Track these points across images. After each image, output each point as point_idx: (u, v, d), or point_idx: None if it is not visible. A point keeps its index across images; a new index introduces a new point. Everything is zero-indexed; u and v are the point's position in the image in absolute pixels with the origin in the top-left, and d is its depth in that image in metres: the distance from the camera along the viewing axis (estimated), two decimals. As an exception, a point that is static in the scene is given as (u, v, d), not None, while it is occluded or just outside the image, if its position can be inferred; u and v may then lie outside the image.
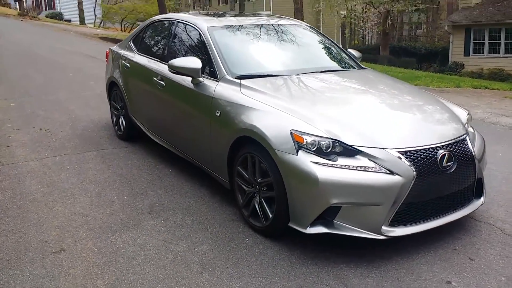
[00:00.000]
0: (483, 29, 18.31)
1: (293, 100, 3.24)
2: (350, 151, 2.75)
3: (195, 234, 3.15)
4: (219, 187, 3.78)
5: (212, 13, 5.45)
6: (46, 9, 38.61)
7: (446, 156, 2.84)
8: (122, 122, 5.22)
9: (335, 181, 2.66)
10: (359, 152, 2.74)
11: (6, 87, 8.35)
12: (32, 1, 39.27)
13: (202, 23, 4.11)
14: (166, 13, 10.99)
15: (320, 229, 2.77)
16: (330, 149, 2.75)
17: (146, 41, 5.02)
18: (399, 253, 2.89)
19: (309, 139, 2.77)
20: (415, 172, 2.71)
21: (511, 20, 17.20)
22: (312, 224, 2.78)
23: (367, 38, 42.53)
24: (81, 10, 31.54)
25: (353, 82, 3.83)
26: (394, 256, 2.87)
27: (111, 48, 5.72)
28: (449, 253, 2.90)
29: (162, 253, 2.90)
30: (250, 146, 3.12)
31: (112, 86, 5.43)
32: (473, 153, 3.04)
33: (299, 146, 2.78)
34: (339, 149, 2.76)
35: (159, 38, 4.86)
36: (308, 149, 2.76)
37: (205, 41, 3.90)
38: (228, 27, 4.19)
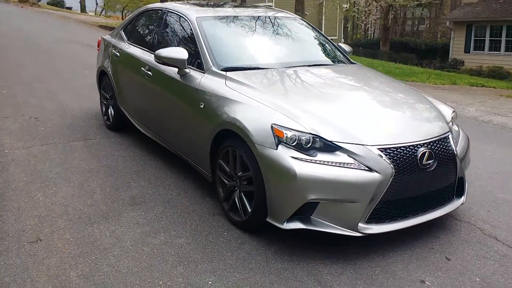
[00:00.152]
0: (484, 26, 18.20)
1: (277, 94, 3.21)
2: (330, 147, 2.73)
3: (173, 227, 3.13)
4: (203, 181, 3.77)
5: (207, 3, 5.39)
6: (47, -4, 38.35)
7: (426, 154, 2.81)
8: (111, 112, 5.19)
9: (313, 176, 2.64)
10: (339, 148, 2.72)
11: (0, 74, 8.31)
12: (33, -12, 38.94)
13: (191, 13, 4.07)
14: (167, 1, 10.88)
15: (297, 225, 2.75)
16: (310, 144, 2.73)
17: (136, 31, 4.98)
18: (377, 250, 2.88)
19: (289, 134, 2.74)
20: (393, 170, 2.69)
21: (512, 18, 17.11)
22: (289, 220, 2.77)
23: (369, 32, 42.31)
24: (82, -2, 31.33)
25: (340, 77, 3.80)
26: (372, 253, 2.85)
27: (103, 36, 5.68)
28: (426, 252, 2.89)
29: (138, 246, 2.89)
30: (232, 140, 3.10)
31: (102, 75, 5.39)
32: (455, 152, 3.02)
33: (279, 140, 2.76)
34: (319, 145, 2.73)
35: (149, 27, 4.81)
36: (288, 144, 2.74)
37: (193, 32, 3.87)
38: (218, 18, 4.14)
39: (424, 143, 2.85)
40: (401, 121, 3.12)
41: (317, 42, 4.48)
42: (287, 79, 3.58)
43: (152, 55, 4.14)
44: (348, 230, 2.72)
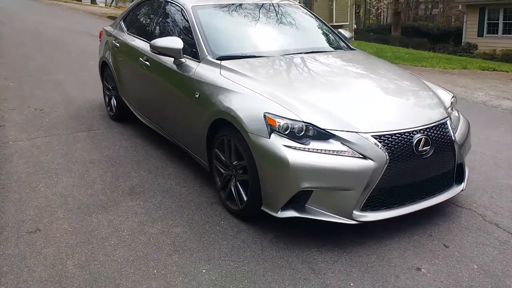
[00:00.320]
0: (497, 8, 17.75)
1: (271, 82, 3.18)
2: (323, 135, 2.70)
3: (171, 216, 3.15)
4: (202, 170, 3.77)
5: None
6: (57, -12, 38.41)
7: (422, 141, 2.76)
8: (114, 103, 5.22)
9: (306, 165, 2.61)
10: (332, 136, 2.69)
11: (8, 66, 8.40)
12: (44, -20, 39.08)
13: (187, 2, 4.04)
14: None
15: (292, 213, 2.74)
16: (303, 133, 2.70)
17: (135, 21, 4.97)
18: (373, 238, 2.86)
19: (282, 122, 2.72)
20: (388, 157, 2.64)
21: (528, -1, 16.64)
22: (284, 208, 2.75)
23: (382, 16, 41.62)
24: (92, -12, 31.34)
25: (337, 63, 3.75)
26: (368, 241, 2.83)
27: (104, 27, 5.68)
28: (424, 239, 2.85)
29: (135, 235, 2.91)
30: (226, 129, 3.08)
31: (104, 66, 5.40)
32: (453, 138, 2.95)
33: (272, 129, 2.74)
34: (312, 133, 2.70)
35: (147, 17, 4.80)
36: (281, 133, 2.71)
37: (189, 21, 3.84)
38: (214, 6, 4.10)
39: (420, 130, 2.80)
40: (398, 107, 3.06)
41: (315, 29, 4.41)
42: (282, 67, 3.54)
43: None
44: (343, 218, 2.70)
